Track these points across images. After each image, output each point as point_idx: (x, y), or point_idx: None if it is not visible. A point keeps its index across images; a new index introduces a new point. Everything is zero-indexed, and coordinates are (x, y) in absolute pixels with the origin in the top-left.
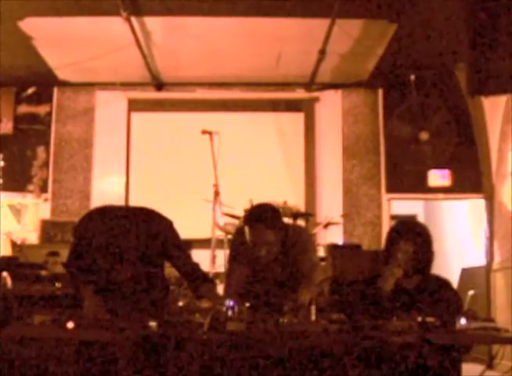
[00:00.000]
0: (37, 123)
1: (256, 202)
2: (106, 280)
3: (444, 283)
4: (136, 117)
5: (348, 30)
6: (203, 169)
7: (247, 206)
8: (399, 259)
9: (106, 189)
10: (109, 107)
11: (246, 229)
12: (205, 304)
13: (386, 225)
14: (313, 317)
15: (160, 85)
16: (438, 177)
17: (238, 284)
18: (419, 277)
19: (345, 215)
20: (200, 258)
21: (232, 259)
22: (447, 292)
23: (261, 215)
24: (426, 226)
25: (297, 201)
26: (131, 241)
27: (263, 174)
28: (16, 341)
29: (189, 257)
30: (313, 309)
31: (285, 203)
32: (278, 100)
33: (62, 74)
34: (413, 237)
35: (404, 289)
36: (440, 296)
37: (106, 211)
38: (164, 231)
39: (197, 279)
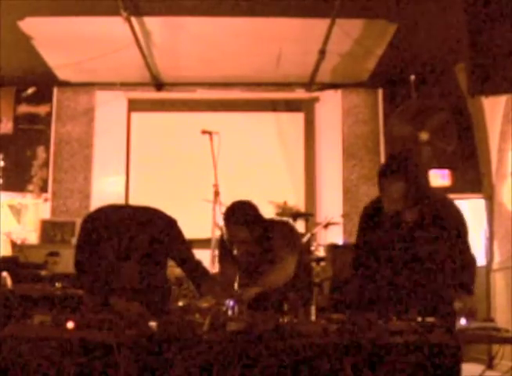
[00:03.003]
0: (37, 123)
1: (256, 202)
2: (112, 278)
3: (444, 204)
4: (136, 117)
5: (348, 30)
6: (203, 169)
7: None
8: (394, 198)
9: (106, 189)
10: (109, 107)
11: (224, 228)
12: (205, 304)
13: None
14: (313, 317)
15: (160, 85)
16: (438, 177)
17: (229, 285)
18: (419, 207)
19: (345, 215)
20: (200, 258)
21: (220, 260)
22: (448, 213)
23: (234, 213)
24: (414, 159)
25: (297, 201)
26: (136, 240)
27: (263, 174)
28: (16, 341)
29: (192, 255)
30: (313, 309)
31: (285, 203)
32: (278, 100)
33: (62, 74)
34: (402, 174)
35: (404, 222)
36: (441, 219)
37: (110, 211)
38: (168, 230)
39: (200, 276)
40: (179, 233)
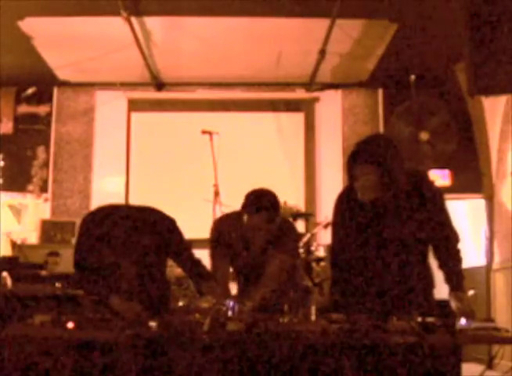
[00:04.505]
0: (37, 123)
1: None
2: (111, 278)
3: (418, 179)
4: (136, 117)
5: (348, 31)
6: (203, 169)
7: None
8: (366, 187)
9: (106, 189)
10: (109, 107)
11: (250, 214)
12: (205, 304)
13: None
14: (313, 317)
15: (160, 85)
16: (438, 177)
17: (226, 282)
18: (393, 190)
19: None
20: (200, 258)
21: (214, 256)
22: (425, 188)
23: (268, 202)
24: (385, 143)
25: (297, 201)
26: (135, 240)
27: (263, 174)
28: (16, 341)
29: (191, 254)
30: (313, 309)
31: (285, 203)
32: (278, 100)
33: (62, 74)
34: (372, 161)
35: (381, 201)
36: (417, 195)
37: (109, 210)
38: (167, 229)
39: (200, 276)
40: (179, 232)
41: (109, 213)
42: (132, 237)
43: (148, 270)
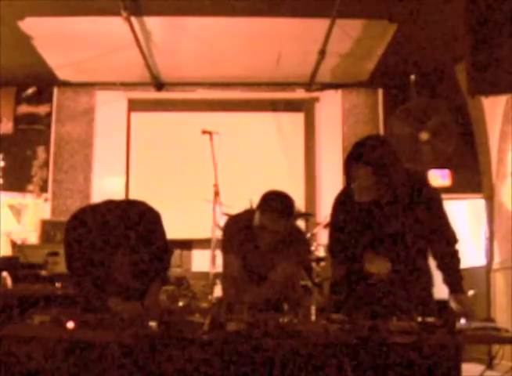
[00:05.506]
0: (37, 123)
1: (256, 202)
2: (105, 276)
3: (415, 180)
4: (136, 117)
5: (348, 30)
6: (203, 169)
7: (248, 206)
8: (363, 187)
9: (106, 189)
10: (109, 107)
11: (260, 213)
12: (205, 304)
13: None
14: (313, 317)
15: (160, 85)
16: (438, 177)
17: (236, 279)
18: (391, 192)
19: None
20: (200, 258)
21: (227, 251)
22: (423, 189)
23: (283, 203)
24: (383, 144)
25: (297, 201)
26: (123, 234)
27: (263, 174)
28: (16, 341)
29: (164, 251)
30: (313, 309)
31: None
32: (278, 100)
33: (62, 74)
34: (368, 161)
35: (378, 202)
36: (415, 194)
37: (93, 209)
38: (146, 219)
39: (158, 275)
40: (159, 225)
41: (93, 211)
42: (119, 231)
43: (140, 263)
